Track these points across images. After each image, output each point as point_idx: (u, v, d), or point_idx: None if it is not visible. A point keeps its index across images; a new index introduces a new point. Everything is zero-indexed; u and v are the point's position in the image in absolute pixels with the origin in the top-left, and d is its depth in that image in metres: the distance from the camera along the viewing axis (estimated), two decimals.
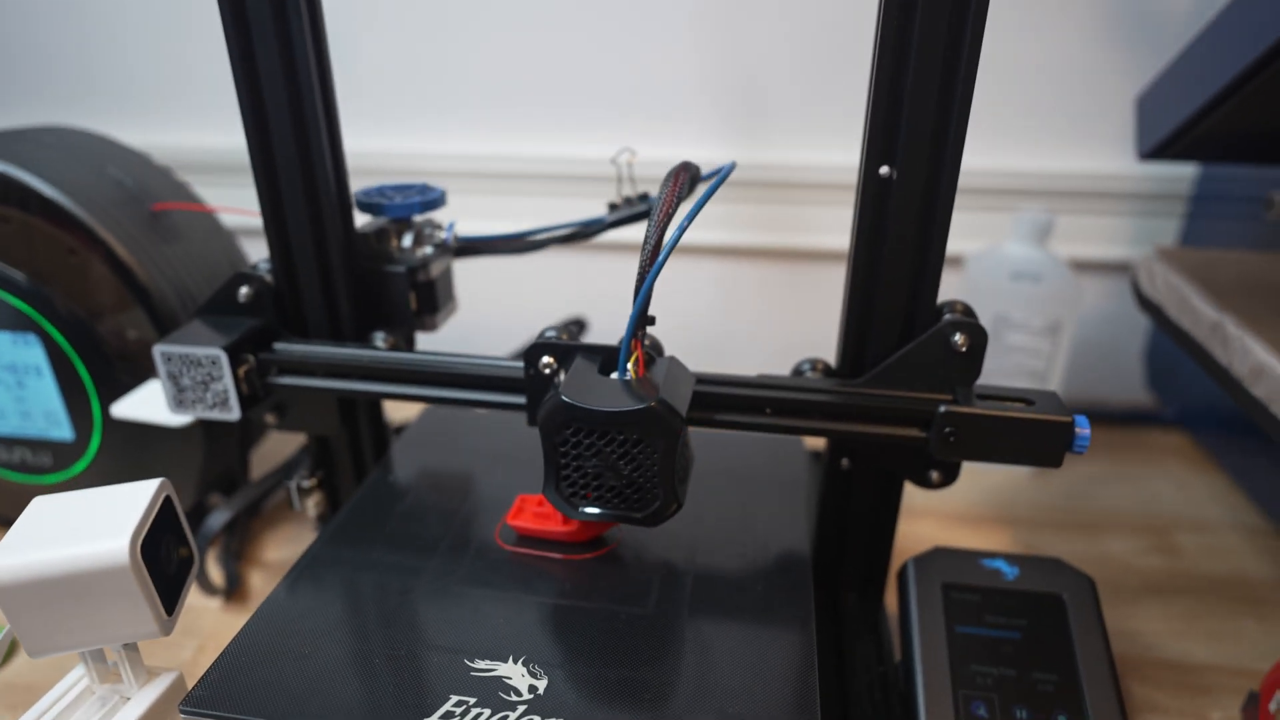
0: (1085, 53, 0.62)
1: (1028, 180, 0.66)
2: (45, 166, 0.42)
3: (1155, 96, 0.45)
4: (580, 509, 0.31)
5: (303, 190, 0.36)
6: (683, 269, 0.73)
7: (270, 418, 0.41)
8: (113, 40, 0.71)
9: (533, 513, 0.33)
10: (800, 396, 0.33)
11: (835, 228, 0.69)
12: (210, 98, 0.72)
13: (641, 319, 0.30)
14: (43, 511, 0.29)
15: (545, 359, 0.33)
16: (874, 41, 0.29)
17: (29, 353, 0.44)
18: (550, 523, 0.32)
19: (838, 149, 0.67)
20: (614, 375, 0.31)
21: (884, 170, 0.30)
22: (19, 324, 0.43)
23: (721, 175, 0.32)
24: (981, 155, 0.66)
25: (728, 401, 0.34)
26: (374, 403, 0.43)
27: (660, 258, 0.29)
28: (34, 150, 0.43)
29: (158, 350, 0.36)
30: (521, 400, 0.35)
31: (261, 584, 0.48)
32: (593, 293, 0.73)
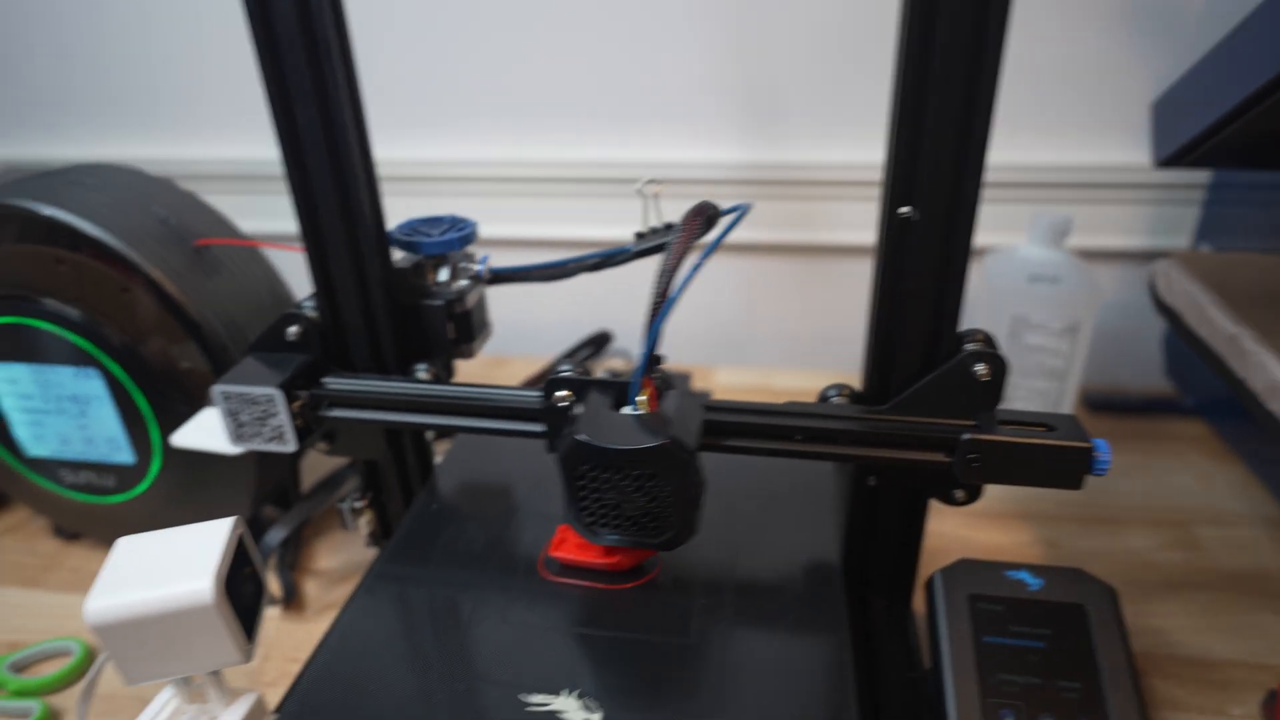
0: (1102, 44, 0.62)
1: (1046, 173, 0.66)
2: (95, 209, 0.44)
3: (1172, 103, 0.45)
4: (601, 535, 0.33)
5: (344, 236, 0.38)
6: (708, 266, 0.74)
7: (321, 445, 0.43)
8: (128, 55, 0.72)
9: (575, 544, 0.35)
10: (828, 425, 0.35)
11: (854, 223, 0.70)
12: (216, 109, 0.74)
13: (651, 358, 0.31)
14: (127, 553, 0.31)
15: (561, 392, 0.35)
16: (891, 95, 0.30)
17: (89, 385, 0.47)
18: (592, 554, 0.34)
19: (855, 146, 0.68)
20: (626, 409, 0.33)
21: (904, 210, 0.32)
22: (79, 359, 0.46)
23: (737, 216, 0.34)
24: (999, 148, 0.66)
25: (760, 430, 0.35)
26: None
27: (668, 301, 0.30)
28: (82, 194, 0.45)
29: (216, 390, 0.38)
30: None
31: (316, 591, 0.50)
32: (623, 288, 0.73)
